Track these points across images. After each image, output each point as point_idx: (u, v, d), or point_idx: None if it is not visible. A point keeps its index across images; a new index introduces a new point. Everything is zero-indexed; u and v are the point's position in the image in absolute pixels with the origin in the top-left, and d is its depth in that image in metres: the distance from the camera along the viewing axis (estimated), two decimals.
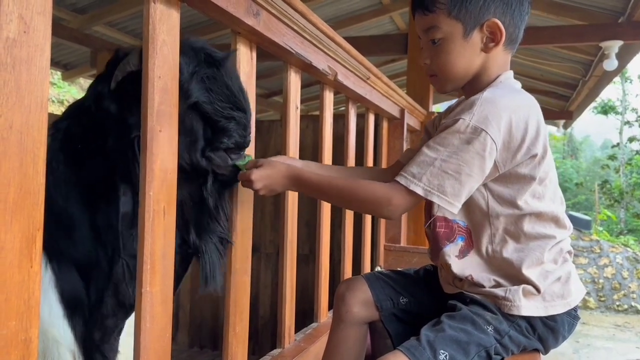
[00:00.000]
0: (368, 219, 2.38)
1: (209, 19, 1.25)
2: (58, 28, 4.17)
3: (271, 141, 3.24)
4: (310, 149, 2.48)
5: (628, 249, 6.41)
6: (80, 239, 1.17)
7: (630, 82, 16.66)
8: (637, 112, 15.44)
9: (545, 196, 1.09)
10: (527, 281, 1.06)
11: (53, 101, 9.96)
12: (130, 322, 1.22)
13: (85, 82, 8.65)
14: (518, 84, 1.15)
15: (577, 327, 1.15)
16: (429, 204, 1.15)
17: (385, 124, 2.64)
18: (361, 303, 1.25)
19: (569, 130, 16.64)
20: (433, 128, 1.23)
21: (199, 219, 1.17)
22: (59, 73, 6.14)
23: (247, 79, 1.25)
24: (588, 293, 6.06)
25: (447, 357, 0.98)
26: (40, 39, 0.64)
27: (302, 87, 1.61)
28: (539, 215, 1.08)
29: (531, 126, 1.04)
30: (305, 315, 1.90)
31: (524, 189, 1.06)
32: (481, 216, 1.09)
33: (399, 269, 1.37)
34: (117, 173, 1.12)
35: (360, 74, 1.89)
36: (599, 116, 16.68)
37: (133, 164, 1.08)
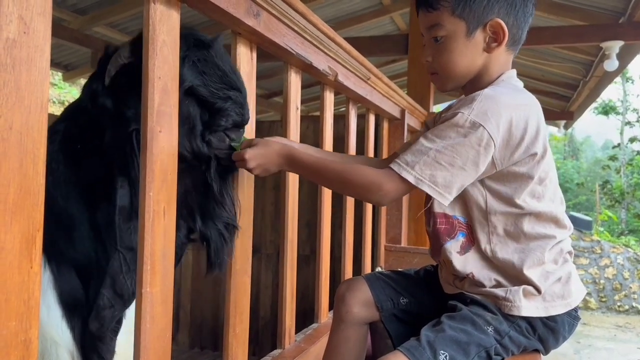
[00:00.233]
0: (369, 219, 2.38)
1: (209, 20, 1.25)
2: (59, 29, 4.17)
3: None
4: None
5: (629, 249, 6.40)
6: (80, 239, 1.17)
7: (632, 82, 16.65)
8: (637, 113, 15.45)
9: (545, 196, 1.08)
10: (528, 282, 1.06)
11: (54, 102, 9.97)
12: (126, 323, 1.22)
13: None
14: (520, 83, 1.15)
15: (578, 327, 1.15)
16: (428, 202, 1.15)
17: (385, 125, 2.64)
18: (361, 303, 1.25)
19: (569, 130, 16.62)
20: (433, 124, 1.24)
21: (204, 206, 1.16)
22: (59, 74, 6.16)
23: (248, 79, 1.25)
24: (589, 293, 6.06)
25: (447, 357, 0.98)
26: (40, 40, 0.64)
27: (303, 87, 1.61)
28: (538, 216, 1.08)
29: (531, 125, 1.03)
30: (306, 316, 1.90)
31: (522, 187, 1.06)
32: (480, 214, 1.09)
33: (399, 269, 1.37)
34: (115, 167, 1.12)
35: (360, 74, 1.89)
36: (600, 116, 16.68)
37: (131, 157, 1.08)
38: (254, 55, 1.28)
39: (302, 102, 1.72)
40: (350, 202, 2.09)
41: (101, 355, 1.18)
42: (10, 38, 0.60)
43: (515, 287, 1.06)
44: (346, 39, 1.67)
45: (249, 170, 1.13)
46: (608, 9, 4.36)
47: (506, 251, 1.08)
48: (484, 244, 1.09)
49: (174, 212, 0.98)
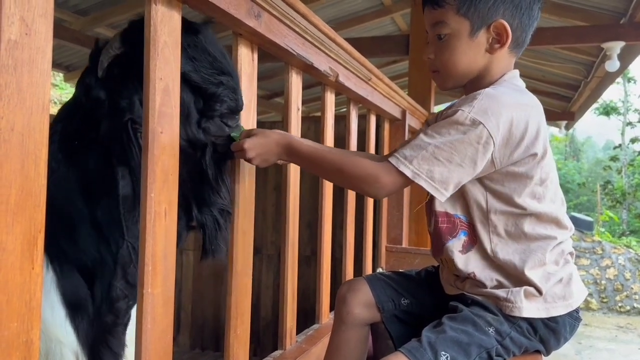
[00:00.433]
0: (370, 220, 2.38)
1: (210, 21, 1.25)
2: (60, 30, 4.18)
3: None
4: None
5: (630, 250, 6.40)
6: (82, 238, 1.17)
7: (634, 82, 16.63)
8: (639, 113, 15.42)
9: (545, 197, 1.08)
10: (529, 283, 1.06)
11: (55, 102, 9.98)
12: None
13: None
14: (522, 84, 1.15)
15: (579, 328, 1.15)
16: (430, 201, 1.15)
17: (386, 125, 2.64)
18: (362, 304, 1.25)
19: (570, 131, 16.60)
20: (434, 123, 1.24)
21: (199, 193, 1.16)
22: (61, 75, 6.16)
23: (249, 80, 1.25)
24: (590, 294, 6.05)
25: (448, 358, 0.98)
26: (42, 41, 0.64)
27: (304, 88, 1.61)
28: (539, 216, 1.08)
29: (531, 126, 1.03)
30: (307, 317, 1.90)
31: (522, 187, 1.06)
32: (481, 213, 1.09)
33: (400, 270, 1.37)
34: (114, 158, 1.12)
35: (361, 75, 1.89)
36: (601, 117, 16.68)
37: (129, 146, 1.08)
38: (255, 56, 1.28)
39: (303, 102, 1.72)
40: (351, 202, 2.09)
41: (112, 349, 1.18)
42: (12, 39, 0.60)
43: (517, 288, 1.06)
44: (347, 39, 1.67)
45: (248, 160, 1.13)
46: (609, 9, 4.36)
47: (507, 251, 1.08)
48: (485, 244, 1.09)
49: (175, 213, 0.98)
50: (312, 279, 1.92)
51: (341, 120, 2.10)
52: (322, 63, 1.55)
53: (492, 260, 1.09)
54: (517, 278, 1.07)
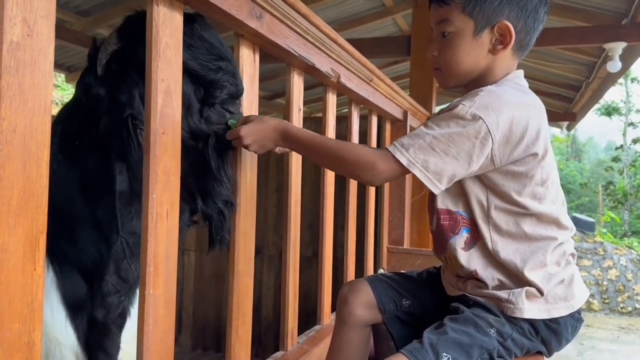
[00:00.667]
0: (371, 220, 2.38)
1: (211, 22, 1.25)
2: (61, 30, 4.18)
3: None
4: None
5: (632, 251, 6.39)
6: (83, 239, 1.17)
7: (638, 82, 16.60)
8: None
9: (546, 198, 1.08)
10: (530, 283, 1.06)
11: (57, 103, 9.99)
12: (133, 321, 1.22)
13: None
14: (525, 84, 1.15)
15: (581, 329, 1.15)
16: (432, 200, 1.15)
17: (388, 126, 2.64)
18: (364, 305, 1.24)
19: (572, 132, 16.61)
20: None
21: (203, 185, 1.16)
22: (62, 75, 6.17)
23: (250, 81, 1.25)
24: (592, 295, 6.04)
25: (450, 359, 0.98)
26: (44, 43, 0.64)
27: (305, 89, 1.61)
28: (539, 217, 1.08)
29: (532, 126, 1.03)
30: (308, 318, 1.90)
31: (522, 187, 1.06)
32: (482, 211, 1.09)
33: (402, 271, 1.36)
34: (113, 154, 1.12)
35: (363, 76, 1.89)
36: (603, 118, 16.66)
37: (128, 142, 1.08)
38: (257, 57, 1.28)
39: (305, 103, 1.72)
40: (352, 203, 2.09)
41: (107, 351, 1.18)
42: (14, 41, 0.60)
43: (518, 289, 1.06)
44: (348, 40, 1.67)
45: (245, 147, 1.13)
46: (611, 10, 4.36)
47: (508, 251, 1.08)
48: (487, 241, 1.09)
49: (177, 214, 0.98)
50: (313, 280, 1.91)
51: (343, 121, 2.10)
52: (323, 64, 1.55)
53: (494, 259, 1.09)
54: (518, 278, 1.07)
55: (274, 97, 7.47)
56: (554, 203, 1.10)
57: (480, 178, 1.07)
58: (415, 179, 1.04)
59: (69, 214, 1.17)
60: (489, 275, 1.09)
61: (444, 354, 0.98)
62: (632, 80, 16.28)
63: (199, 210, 1.17)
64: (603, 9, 4.38)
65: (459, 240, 1.12)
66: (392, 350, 1.12)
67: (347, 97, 2.01)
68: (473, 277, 1.11)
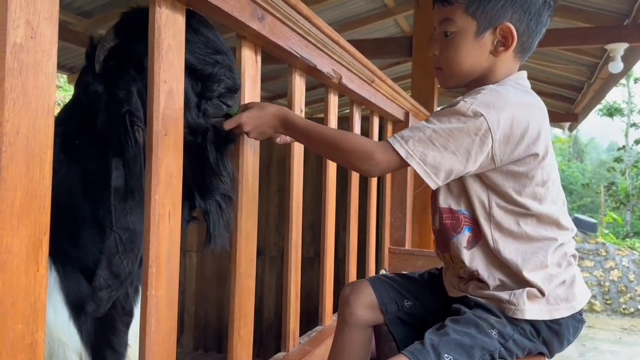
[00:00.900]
0: (373, 221, 2.38)
1: (213, 23, 1.25)
2: (64, 31, 4.19)
3: (275, 144, 3.24)
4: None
5: (634, 251, 6.38)
6: (85, 239, 1.17)
7: None
8: None
9: (547, 198, 1.08)
10: (531, 284, 1.06)
11: (59, 104, 10.01)
12: (137, 320, 1.22)
13: None
14: (528, 85, 1.15)
15: (583, 330, 1.15)
16: (434, 199, 1.15)
17: (389, 127, 2.64)
18: (366, 306, 1.25)
19: (574, 132, 16.58)
20: None
21: (201, 180, 1.17)
22: (64, 76, 6.17)
23: (252, 82, 1.26)
24: (594, 296, 6.03)
25: None
26: (47, 44, 0.64)
27: (307, 89, 1.61)
28: (540, 217, 1.08)
29: (533, 126, 1.04)
30: (310, 318, 1.90)
31: (523, 187, 1.06)
32: (483, 210, 1.09)
33: (403, 272, 1.37)
34: (110, 149, 1.12)
35: (364, 77, 1.89)
36: (605, 118, 16.63)
37: (125, 138, 1.08)
38: (259, 58, 1.28)
39: (306, 104, 1.72)
40: (354, 204, 2.09)
41: (114, 349, 1.18)
42: (18, 43, 0.60)
43: (519, 290, 1.06)
44: (350, 41, 1.68)
45: (246, 133, 1.14)
46: (613, 11, 4.35)
47: (509, 250, 1.08)
48: (488, 240, 1.09)
49: (179, 215, 0.98)
50: (315, 281, 1.92)
51: (344, 122, 2.10)
52: (325, 65, 1.56)
53: (495, 258, 1.09)
54: (519, 278, 1.07)
55: (275, 98, 7.47)
56: (555, 204, 1.11)
57: (481, 177, 1.08)
58: (416, 176, 1.04)
59: (71, 214, 1.17)
60: (491, 275, 1.09)
61: (446, 355, 0.98)
62: (635, 80, 16.25)
63: (197, 205, 1.17)
64: (605, 9, 4.38)
65: (462, 239, 1.12)
66: (394, 351, 1.12)
67: (348, 98, 2.01)
68: (474, 277, 1.11)
